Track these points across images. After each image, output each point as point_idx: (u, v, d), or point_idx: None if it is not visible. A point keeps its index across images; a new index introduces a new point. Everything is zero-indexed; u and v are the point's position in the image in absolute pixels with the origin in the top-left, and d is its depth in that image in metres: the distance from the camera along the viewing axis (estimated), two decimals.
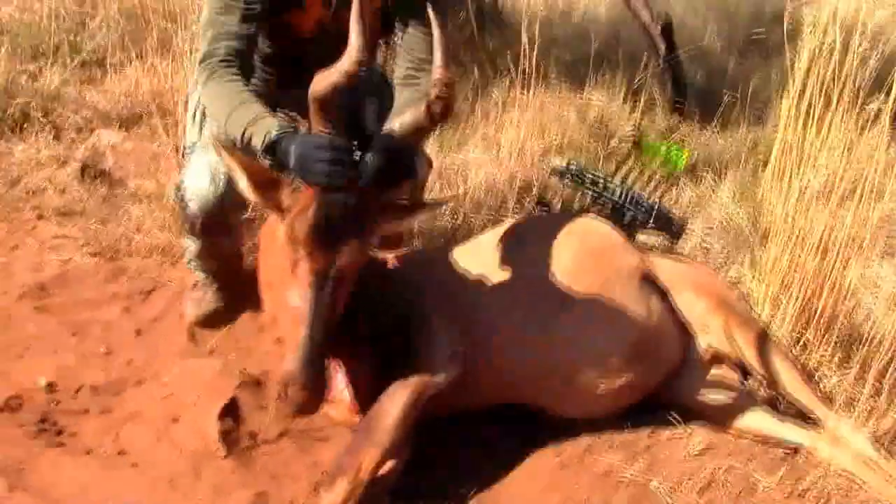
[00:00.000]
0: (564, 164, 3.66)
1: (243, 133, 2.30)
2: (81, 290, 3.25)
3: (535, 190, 4.12)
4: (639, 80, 4.96)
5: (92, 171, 3.93)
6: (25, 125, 4.20)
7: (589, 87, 5.11)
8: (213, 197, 2.74)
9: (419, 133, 2.21)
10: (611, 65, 5.33)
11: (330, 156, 2.06)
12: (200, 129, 2.87)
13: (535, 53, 4.50)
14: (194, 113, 2.92)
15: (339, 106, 2.10)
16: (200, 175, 2.75)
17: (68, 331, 3.01)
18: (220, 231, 2.90)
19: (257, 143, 2.25)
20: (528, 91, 4.71)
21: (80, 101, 4.43)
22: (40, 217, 3.67)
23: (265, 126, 2.26)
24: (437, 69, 2.13)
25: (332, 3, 2.73)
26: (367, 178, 2.10)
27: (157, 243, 3.49)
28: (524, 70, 4.64)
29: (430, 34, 2.43)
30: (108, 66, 4.73)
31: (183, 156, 3.05)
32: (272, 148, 2.21)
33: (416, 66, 2.71)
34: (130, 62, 4.67)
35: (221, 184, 2.71)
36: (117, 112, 4.39)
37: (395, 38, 2.80)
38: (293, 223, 2.08)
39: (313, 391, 2.01)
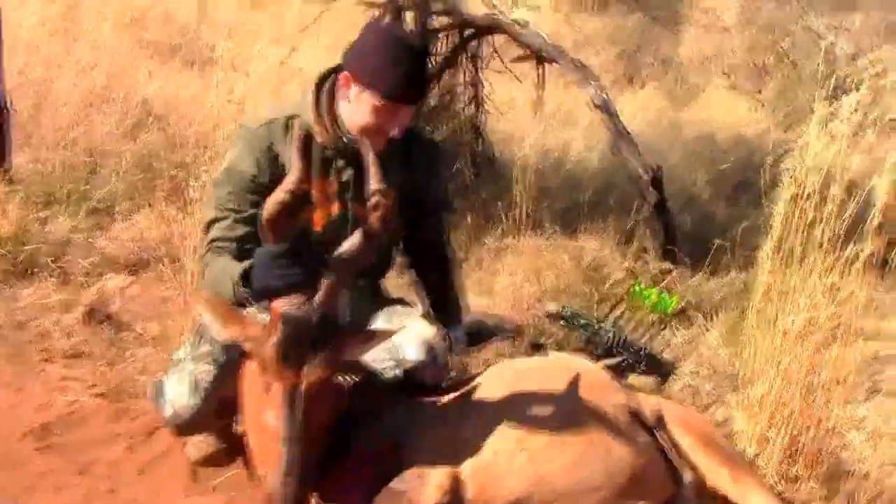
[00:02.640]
0: (558, 309, 3.81)
1: (232, 284, 2.47)
2: (87, 430, 3.34)
3: (529, 334, 4.26)
4: (630, 226, 5.17)
5: (98, 315, 4.08)
6: (35, 270, 4.36)
7: (582, 234, 5.32)
8: (191, 407, 2.80)
9: (363, 250, 2.35)
10: (603, 211, 5.57)
11: (279, 261, 2.24)
12: (195, 345, 2.90)
13: (526, 201, 4.73)
14: (193, 332, 2.99)
15: (291, 222, 2.28)
16: (182, 382, 2.82)
17: (74, 470, 3.10)
18: (195, 432, 3.04)
19: (235, 277, 2.43)
20: (521, 237, 4.91)
21: (88, 246, 4.61)
22: (47, 360, 3.78)
23: (244, 266, 2.44)
24: (372, 185, 2.33)
25: (344, 200, 2.88)
26: (321, 296, 2.25)
27: None
28: (516, 217, 4.86)
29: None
30: (116, 214, 4.94)
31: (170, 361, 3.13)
32: (247, 279, 2.38)
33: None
34: (139, 209, 4.89)
35: (201, 396, 2.78)
36: (125, 257, 4.57)
37: None
38: (260, 347, 2.22)
39: None
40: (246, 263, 2.42)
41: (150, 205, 4.82)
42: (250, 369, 2.37)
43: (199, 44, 7.88)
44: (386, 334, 2.48)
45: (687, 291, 4.92)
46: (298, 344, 2.21)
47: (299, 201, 2.25)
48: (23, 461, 3.10)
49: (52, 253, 4.46)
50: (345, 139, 2.77)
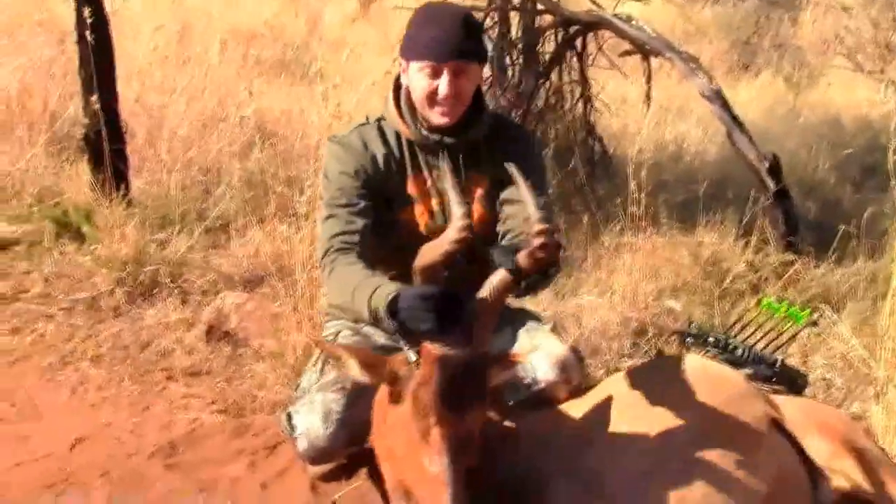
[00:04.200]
0: (686, 327, 3.69)
1: (369, 306, 2.37)
2: (208, 447, 3.38)
3: (650, 333, 4.17)
4: (749, 218, 5.02)
5: (217, 333, 4.15)
6: (155, 290, 4.47)
7: (700, 228, 5.20)
8: (325, 436, 2.80)
9: (508, 291, 2.25)
10: (721, 204, 5.42)
11: (434, 305, 2.12)
12: (321, 373, 2.91)
13: (642, 197, 4.63)
14: (317, 359, 2.98)
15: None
16: (314, 412, 2.82)
17: (196, 487, 3.14)
18: (331, 460, 3.02)
19: (380, 307, 2.31)
20: (639, 234, 4.82)
21: (204, 265, 4.70)
22: (170, 378, 3.86)
23: (386, 291, 2.31)
24: (534, 221, 2.19)
25: (441, 192, 2.85)
26: (474, 339, 2.16)
27: (280, 399, 3.61)
28: (634, 214, 4.76)
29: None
30: (231, 232, 5.03)
31: (295, 390, 3.13)
32: (394, 310, 2.25)
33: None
34: (253, 226, 4.97)
35: (333, 424, 2.78)
36: (240, 275, 4.65)
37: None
38: (418, 393, 2.13)
39: None
40: (391, 290, 2.30)
41: (261, 221, 4.88)
42: (390, 405, 2.30)
43: (308, 58, 7.96)
44: (523, 358, 2.41)
45: (812, 283, 4.75)
46: (458, 388, 2.14)
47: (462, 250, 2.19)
48: (148, 480, 3.16)
49: (170, 273, 4.56)
50: (424, 131, 2.77)
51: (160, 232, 4.92)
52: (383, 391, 2.31)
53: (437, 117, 2.71)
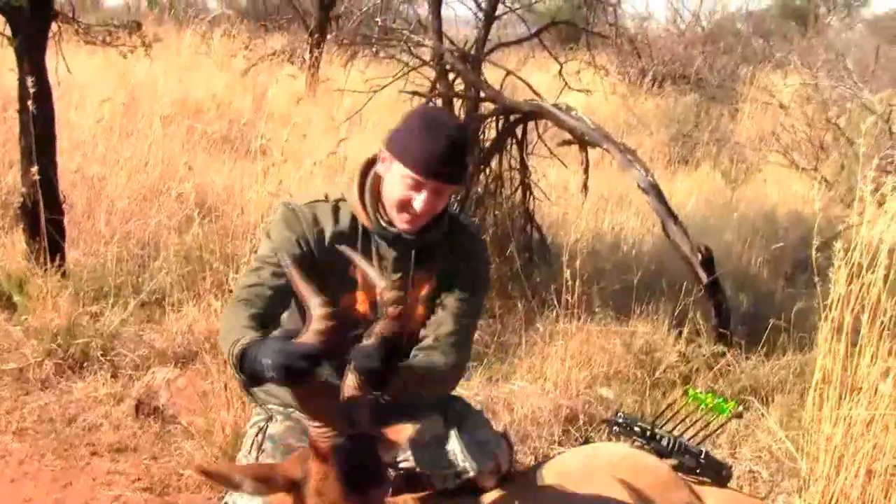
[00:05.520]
0: (614, 416, 3.75)
1: (230, 350, 2.34)
2: None
3: (581, 420, 4.22)
4: (682, 309, 5.12)
5: (146, 408, 4.12)
6: (85, 364, 4.44)
7: (634, 318, 5.28)
8: None
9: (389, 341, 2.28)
10: (655, 294, 5.53)
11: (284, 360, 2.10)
12: (257, 460, 2.83)
13: (577, 286, 4.72)
14: (252, 445, 2.90)
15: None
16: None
17: None
18: None
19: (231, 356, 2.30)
20: (573, 321, 4.89)
21: (137, 339, 4.69)
22: (94, 453, 3.82)
23: (243, 341, 2.30)
24: (378, 284, 2.29)
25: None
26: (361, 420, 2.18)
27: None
28: (568, 302, 4.84)
29: (461, 314, 2.75)
30: (165, 306, 5.00)
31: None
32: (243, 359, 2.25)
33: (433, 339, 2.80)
34: (188, 302, 4.95)
35: None
36: (173, 350, 4.63)
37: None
38: (321, 489, 2.12)
39: None
40: (246, 342, 2.29)
41: (197, 297, 4.87)
42: None
43: (253, 135, 8.02)
44: (404, 436, 2.35)
45: (742, 374, 4.85)
46: (359, 470, 2.14)
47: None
48: None
49: (102, 346, 4.53)
50: (382, 222, 2.75)
51: (94, 304, 4.90)
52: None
53: (402, 224, 2.68)
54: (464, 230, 2.95)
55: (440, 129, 2.64)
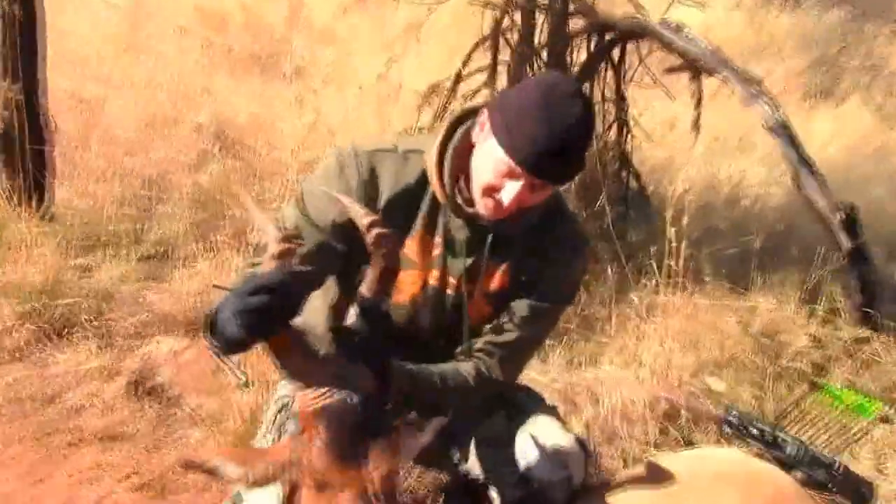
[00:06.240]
0: (727, 413, 3.66)
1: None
2: None
3: (683, 418, 4.13)
4: (815, 282, 5.00)
5: (143, 387, 4.10)
6: (70, 330, 4.42)
7: (753, 290, 5.17)
8: None
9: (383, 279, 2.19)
10: (782, 262, 5.40)
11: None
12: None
13: (683, 248, 4.61)
14: (266, 430, 2.91)
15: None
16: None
17: None
18: None
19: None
20: (677, 293, 4.79)
21: (136, 301, 4.65)
22: (79, 442, 3.80)
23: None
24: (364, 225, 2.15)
25: (445, 270, 2.75)
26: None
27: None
28: (671, 268, 4.73)
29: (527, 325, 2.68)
30: (173, 261, 4.98)
31: None
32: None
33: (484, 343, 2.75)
34: (200, 256, 4.93)
35: None
36: (181, 315, 4.58)
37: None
38: (307, 461, 2.07)
39: None
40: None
41: (212, 250, 4.84)
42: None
43: (286, 53, 7.98)
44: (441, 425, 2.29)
45: (892, 367, 4.72)
46: (352, 436, 2.11)
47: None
48: None
49: (92, 309, 4.52)
50: (459, 199, 2.62)
51: (84, 256, 4.89)
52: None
53: (484, 209, 2.56)
54: (563, 225, 2.80)
55: (562, 114, 2.42)
